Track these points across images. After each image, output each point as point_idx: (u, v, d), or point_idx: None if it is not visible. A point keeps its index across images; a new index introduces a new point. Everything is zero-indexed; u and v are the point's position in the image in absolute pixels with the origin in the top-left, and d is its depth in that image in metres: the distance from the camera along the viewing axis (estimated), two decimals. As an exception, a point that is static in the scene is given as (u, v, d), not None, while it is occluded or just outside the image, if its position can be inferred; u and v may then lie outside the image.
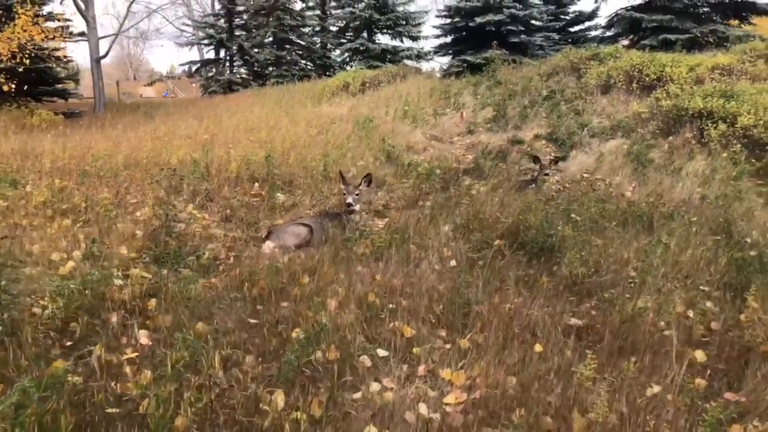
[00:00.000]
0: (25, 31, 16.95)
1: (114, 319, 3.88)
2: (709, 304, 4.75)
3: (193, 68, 35.90)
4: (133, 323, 3.78)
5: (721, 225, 6.77)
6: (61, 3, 27.38)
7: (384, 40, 28.84)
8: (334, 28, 31.27)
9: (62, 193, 6.95)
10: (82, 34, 25.18)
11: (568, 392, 3.31)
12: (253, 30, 31.91)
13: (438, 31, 22.46)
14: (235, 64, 34.06)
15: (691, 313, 4.52)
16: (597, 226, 6.44)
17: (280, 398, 2.92)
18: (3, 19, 16.59)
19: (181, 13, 44.45)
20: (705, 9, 18.68)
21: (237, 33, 33.24)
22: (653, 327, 4.12)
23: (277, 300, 4.44)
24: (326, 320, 3.96)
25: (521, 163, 10.34)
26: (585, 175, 9.45)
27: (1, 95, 20.62)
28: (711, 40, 17.34)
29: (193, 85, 46.58)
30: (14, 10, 16.92)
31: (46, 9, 20.96)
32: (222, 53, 34.25)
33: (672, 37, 17.31)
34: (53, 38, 17.78)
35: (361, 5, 26.54)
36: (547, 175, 8.69)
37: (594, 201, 6.97)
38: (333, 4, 32.58)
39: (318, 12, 33.55)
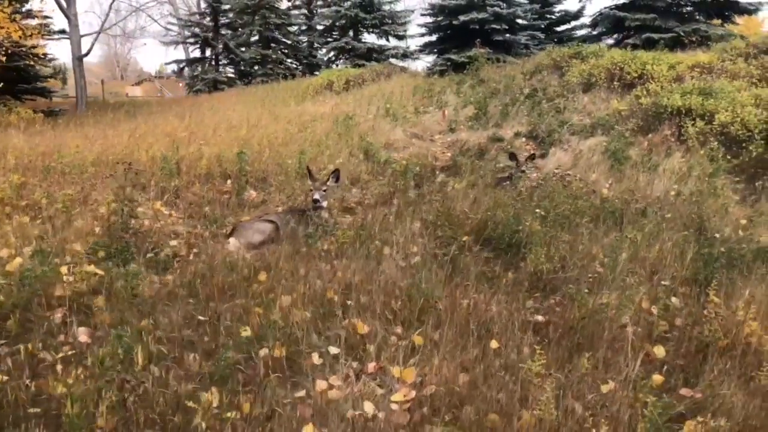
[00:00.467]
0: (1, 27, 16.72)
1: (57, 316, 3.74)
2: (674, 299, 4.68)
3: (178, 67, 35.69)
4: (73, 320, 3.64)
5: (694, 221, 6.71)
6: (41, 1, 27.19)
7: (370, 39, 28.80)
8: (320, 27, 31.12)
9: (23, 189, 6.79)
10: (62, 31, 24.89)
11: (515, 389, 3.21)
12: (239, 29, 31.76)
13: (423, 30, 22.37)
14: (220, 63, 33.88)
15: (654, 309, 4.45)
16: (568, 223, 6.35)
17: (213, 397, 2.79)
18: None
19: (167, 12, 44.11)
20: (688, 8, 18.71)
21: (222, 32, 33.07)
22: (613, 323, 4.02)
23: (231, 297, 4.32)
24: (277, 317, 3.85)
25: (498, 161, 10.25)
26: (556, 171, 9.37)
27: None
28: (694, 39, 17.31)
29: (181, 84, 46.33)
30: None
31: (25, 6, 20.65)
32: (208, 52, 34.08)
33: (655, 36, 17.29)
34: (31, 35, 17.54)
35: (347, 4, 26.41)
36: (523, 172, 8.60)
37: (565, 197, 6.87)
38: (319, 2, 32.50)
39: (304, 11, 33.46)
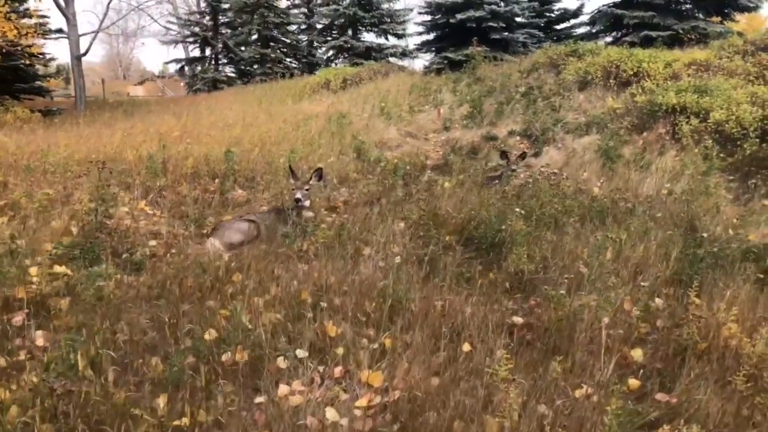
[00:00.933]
0: (-4, 26, 16.66)
1: (18, 318, 3.65)
2: (658, 300, 4.57)
3: (178, 67, 35.63)
4: (32, 324, 3.55)
5: (684, 220, 6.60)
6: (39, 0, 27.11)
7: (369, 37, 28.68)
8: (319, 26, 31.01)
9: (3, 189, 6.72)
10: (59, 30, 24.82)
11: (483, 393, 3.11)
12: (238, 28, 31.68)
13: (421, 29, 22.26)
14: (220, 62, 33.81)
15: (635, 311, 4.34)
16: (554, 222, 6.24)
17: (161, 403, 2.70)
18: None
19: (166, 11, 44.05)
20: (687, 5, 18.54)
21: (222, 31, 33.00)
22: (590, 325, 3.91)
23: (201, 299, 4.23)
24: (245, 320, 3.75)
25: (490, 159, 10.15)
26: (543, 169, 9.26)
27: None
28: (693, 36, 17.14)
29: (182, 84, 46.30)
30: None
31: (23, 5, 20.61)
32: (207, 51, 34.00)
33: (653, 33, 17.12)
34: (26, 34, 17.47)
35: (346, 2, 26.29)
36: (513, 170, 8.50)
37: (552, 196, 6.76)
38: (318, 1, 32.37)
39: (304, 9, 33.35)
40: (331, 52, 29.38)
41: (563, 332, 3.94)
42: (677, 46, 16.03)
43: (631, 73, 12.66)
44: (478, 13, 18.28)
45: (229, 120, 14.55)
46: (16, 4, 19.67)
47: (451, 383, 3.28)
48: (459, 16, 18.54)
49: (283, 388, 3.20)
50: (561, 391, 3.22)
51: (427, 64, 22.06)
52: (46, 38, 25.29)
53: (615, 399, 3.13)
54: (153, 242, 5.77)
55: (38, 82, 24.22)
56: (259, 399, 3.09)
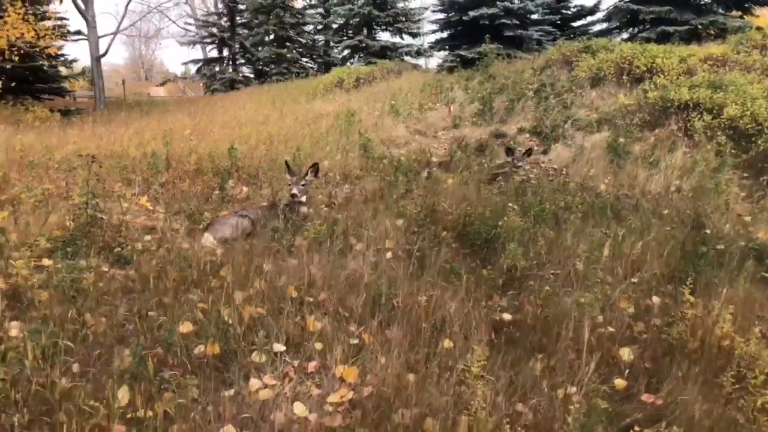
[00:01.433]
0: (15, 28, 16.88)
1: (-5, 310, 3.63)
2: (655, 298, 4.43)
3: (196, 67, 35.88)
4: (8, 315, 3.53)
5: (691, 217, 6.42)
6: (60, 2, 27.42)
7: (384, 36, 28.62)
8: (335, 25, 31.00)
9: (5, 184, 6.76)
10: (78, 32, 25.13)
11: (458, 391, 3.01)
12: (254, 28, 31.80)
13: (435, 26, 22.14)
14: (237, 62, 33.99)
15: (630, 309, 4.21)
16: (555, 218, 6.11)
17: (121, 395, 2.64)
18: (-8, 17, 16.49)
19: (185, 13, 44.46)
20: (706, 0, 18.19)
21: (239, 31, 33.16)
22: (578, 323, 3.79)
23: (185, 292, 4.18)
24: (225, 313, 3.70)
25: (496, 156, 10.01)
26: (544, 165, 9.10)
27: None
28: (711, 32, 16.80)
29: (201, 84, 46.67)
30: (4, 8, 16.85)
31: (42, 8, 20.86)
32: (225, 52, 34.19)
33: (670, 29, 16.82)
34: (44, 36, 17.69)
35: (360, 2, 26.25)
36: (518, 167, 8.35)
37: (551, 192, 6.62)
38: (335, 0, 32.38)
39: (320, 9, 33.37)
40: (346, 52, 29.34)
41: (550, 330, 3.82)
42: (695, 41, 15.73)
43: (645, 69, 12.42)
44: (491, 11, 18.10)
45: (242, 119, 14.61)
46: (38, 7, 19.90)
47: (427, 380, 3.19)
48: (472, 14, 18.38)
49: (254, 382, 3.13)
50: (540, 390, 3.11)
51: (440, 62, 21.93)
52: (65, 40, 25.65)
53: (596, 399, 3.04)
54: (148, 237, 5.76)
55: (58, 83, 24.57)
56: (227, 392, 3.03)
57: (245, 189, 7.97)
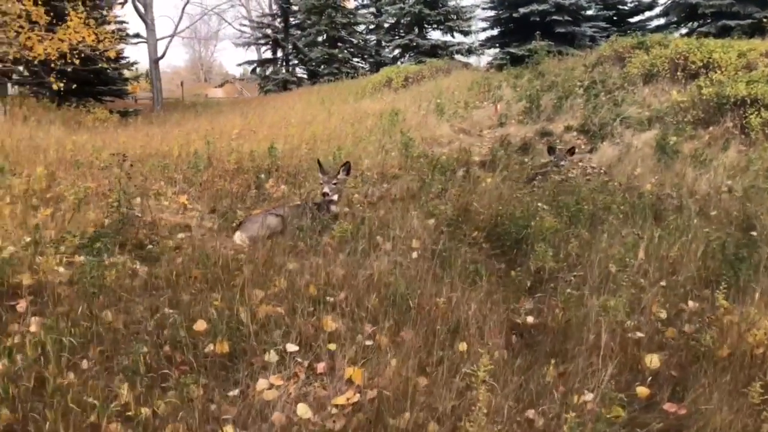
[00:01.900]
0: (77, 32, 17.53)
1: (22, 304, 3.75)
2: (691, 303, 4.22)
3: (250, 68, 36.57)
4: (32, 310, 3.63)
5: (740, 219, 6.10)
6: (122, 6, 28.41)
7: (435, 35, 28.50)
8: (386, 25, 31.05)
9: (53, 182, 7.01)
10: (137, 35, 26.01)
11: (467, 395, 2.92)
12: (307, 29, 32.17)
13: (485, 24, 21.89)
14: (290, 63, 34.46)
15: (661, 313, 4.02)
16: (592, 219, 5.90)
17: (124, 392, 2.67)
18: (54, 21, 17.15)
19: (240, 14, 45.38)
20: (772, -9, 17.35)
21: (292, 32, 33.61)
22: (602, 327, 3.63)
23: (209, 290, 4.22)
24: (243, 312, 3.70)
25: (539, 154, 9.78)
26: (581, 164, 8.80)
27: (63, 95, 21.65)
28: (776, 25, 16.01)
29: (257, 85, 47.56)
30: (66, 12, 17.53)
31: (103, 12, 21.65)
32: (279, 53, 34.74)
33: (732, 23, 16.13)
34: (104, 40, 18.32)
35: (411, 1, 26.20)
36: (561, 166, 8.13)
37: (588, 192, 6.39)
38: (386, 0, 32.44)
39: (372, 9, 33.50)
40: (397, 51, 29.38)
41: (573, 334, 3.67)
42: (758, 35, 15.01)
43: (701, 64, 11.94)
44: (542, 7, 17.78)
45: (290, 119, 14.79)
46: (100, 12, 20.63)
47: (436, 384, 3.11)
48: (522, 10, 18.10)
49: (261, 382, 3.12)
50: (551, 396, 2.99)
51: (490, 60, 21.66)
52: (125, 43, 26.58)
53: (615, 407, 2.91)
54: (181, 235, 5.86)
55: (118, 85, 25.50)
56: (232, 392, 3.03)
57: (284, 188, 8.03)
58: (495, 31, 21.59)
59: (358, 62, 32.09)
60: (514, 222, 5.20)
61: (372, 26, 33.32)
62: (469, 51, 26.95)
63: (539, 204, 5.72)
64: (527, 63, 16.90)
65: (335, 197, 6.29)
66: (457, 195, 6.55)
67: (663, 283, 4.37)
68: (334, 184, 6.28)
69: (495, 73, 18.20)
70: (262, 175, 8.24)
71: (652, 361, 3.42)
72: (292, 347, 3.50)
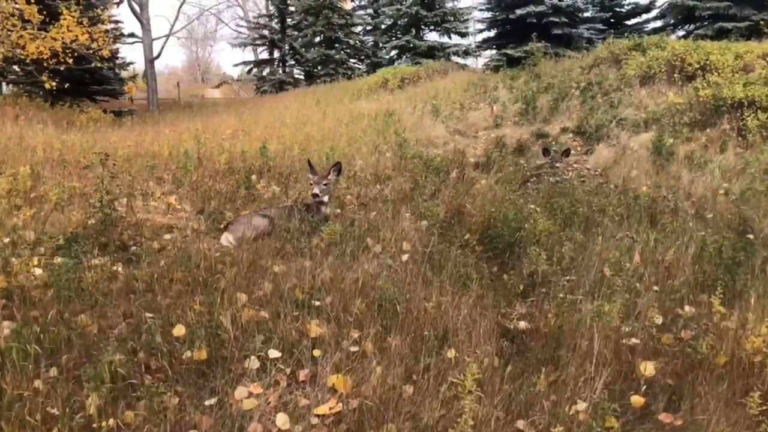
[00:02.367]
0: (70, 31, 17.38)
1: (-5, 308, 3.62)
2: (687, 308, 4.11)
3: (246, 69, 36.40)
4: (7, 313, 3.50)
5: (737, 222, 6.00)
6: (117, 6, 28.22)
7: (432, 36, 28.39)
8: (383, 26, 30.93)
9: (38, 181, 6.88)
10: (132, 35, 25.84)
11: (454, 404, 2.80)
12: (303, 30, 32.02)
13: (482, 26, 21.79)
14: (287, 64, 34.31)
15: (659, 319, 3.91)
16: (586, 222, 5.80)
17: (93, 402, 2.54)
18: (47, 20, 17.01)
19: (237, 15, 45.28)
20: (769, -6, 17.29)
21: (289, 33, 33.46)
22: (595, 333, 3.51)
23: (191, 293, 4.09)
24: (224, 317, 3.58)
25: (535, 156, 9.68)
26: (576, 165, 8.69)
27: (56, 94, 21.51)
28: (773, 28, 15.93)
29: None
30: (59, 11, 17.38)
31: (97, 12, 21.47)
32: (275, 53, 34.59)
33: (729, 25, 16.06)
34: (97, 39, 18.16)
35: (408, 2, 26.08)
36: (556, 167, 8.03)
37: (585, 194, 6.29)
38: (384, 1, 32.30)
39: (370, 10, 33.37)
40: (394, 52, 29.24)
41: (565, 340, 3.56)
42: (755, 37, 14.94)
43: (697, 66, 11.85)
44: (538, 8, 17.69)
45: (285, 119, 14.67)
46: (96, 12, 20.47)
47: (423, 392, 2.99)
48: (519, 12, 18.01)
49: (240, 391, 3.00)
50: (541, 406, 2.87)
51: (486, 61, 21.57)
52: (120, 43, 26.44)
53: (608, 418, 2.79)
54: (167, 236, 5.74)
55: (112, 85, 25.33)
56: (210, 401, 2.90)
57: (275, 188, 7.91)
58: (492, 33, 21.52)
59: (354, 63, 31.96)
60: (507, 224, 5.08)
61: (369, 27, 33.20)
62: (466, 52, 26.82)
63: (533, 206, 5.60)
64: (524, 64, 16.80)
65: (325, 198, 6.17)
66: (450, 197, 6.43)
67: (658, 288, 4.26)
68: (325, 185, 6.16)
69: (491, 74, 18.10)
70: (254, 176, 8.12)
71: (647, 368, 3.30)
72: (274, 353, 3.38)
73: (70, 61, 17.49)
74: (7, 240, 4.67)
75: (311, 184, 6.20)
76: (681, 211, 6.11)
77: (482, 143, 11.77)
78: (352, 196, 7.38)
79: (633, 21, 24.13)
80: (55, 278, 3.54)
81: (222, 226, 6.07)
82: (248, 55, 52.75)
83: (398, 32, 28.66)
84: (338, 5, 29.83)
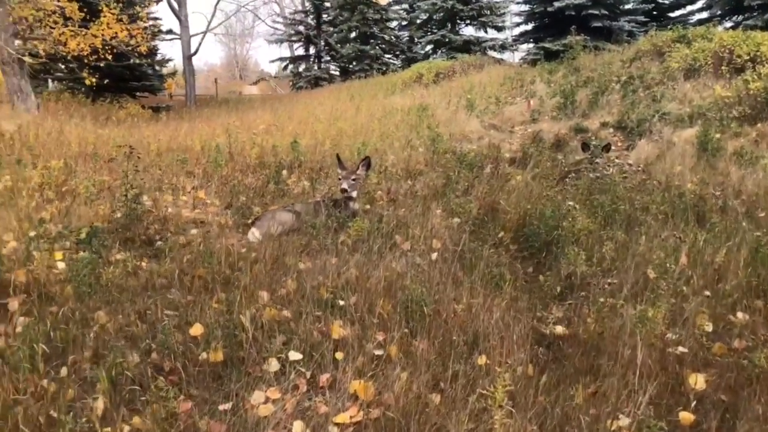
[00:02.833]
0: (110, 28, 17.59)
1: (14, 303, 3.52)
2: (740, 315, 3.80)
3: (282, 65, 36.53)
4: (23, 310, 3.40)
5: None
6: (156, 3, 28.53)
7: (468, 31, 28.01)
8: (419, 21, 30.63)
9: (70, 174, 6.87)
10: (170, 31, 26.08)
11: (482, 419, 2.58)
12: (339, 25, 31.94)
13: (519, 19, 21.33)
14: (322, 59, 34.29)
15: (709, 326, 3.61)
16: (628, 220, 5.49)
17: (100, 405, 2.40)
18: (88, 17, 17.24)
19: (273, 11, 45.49)
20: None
21: (324, 29, 33.42)
22: (640, 341, 3.24)
23: (211, 291, 3.95)
24: (244, 317, 3.41)
25: (573, 151, 9.33)
26: (618, 161, 8.32)
27: (97, 90, 21.86)
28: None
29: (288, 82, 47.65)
30: (99, 9, 17.60)
31: (137, 8, 21.71)
32: (311, 50, 34.59)
33: (780, 15, 15.35)
34: (135, 35, 18.34)
35: (444, -5, 25.77)
36: (596, 163, 7.68)
37: (627, 190, 5.96)
38: (420, -5, 32.01)
39: (405, 5, 33.10)
40: (429, 47, 28.95)
41: (606, 348, 3.30)
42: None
43: (747, 58, 11.31)
44: (577, 1, 17.18)
45: (319, 115, 14.58)
46: (137, 9, 20.69)
47: (451, 403, 2.78)
48: (557, 4, 17.54)
49: (257, 395, 2.83)
50: (581, 421, 2.63)
51: (523, 55, 21.13)
52: (158, 39, 26.73)
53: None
54: (194, 231, 5.63)
55: (151, 81, 25.64)
56: (224, 406, 2.74)
57: (305, 183, 7.78)
58: (529, 26, 21.03)
59: (389, 59, 31.76)
60: (543, 222, 4.82)
61: (404, 22, 32.94)
62: (503, 47, 26.37)
63: (571, 203, 5.31)
64: (562, 58, 16.36)
65: (354, 194, 5.99)
66: (484, 193, 6.19)
67: (708, 292, 3.95)
68: (353, 180, 5.98)
69: (528, 68, 17.69)
70: (284, 171, 8.00)
71: (697, 381, 3.03)
72: (295, 355, 3.21)
73: (110, 57, 17.71)
74: (33, 233, 4.61)
75: (339, 179, 6.03)
76: (730, 209, 5.74)
77: (518, 138, 11.46)
78: (382, 192, 7.19)
79: (677, 13, 23.36)
80: (73, 273, 3.43)
81: (249, 221, 5.95)
82: (284, 51, 53.01)
83: (434, 27, 28.34)
84: (373, 1, 29.63)
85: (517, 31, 22.75)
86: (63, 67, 23.30)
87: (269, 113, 16.56)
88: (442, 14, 26.64)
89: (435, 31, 27.55)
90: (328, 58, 33.99)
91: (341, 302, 3.83)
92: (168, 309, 3.61)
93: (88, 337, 3.01)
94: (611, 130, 10.82)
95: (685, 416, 2.83)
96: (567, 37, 16.90)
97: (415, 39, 31.17)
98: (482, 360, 3.13)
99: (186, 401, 2.68)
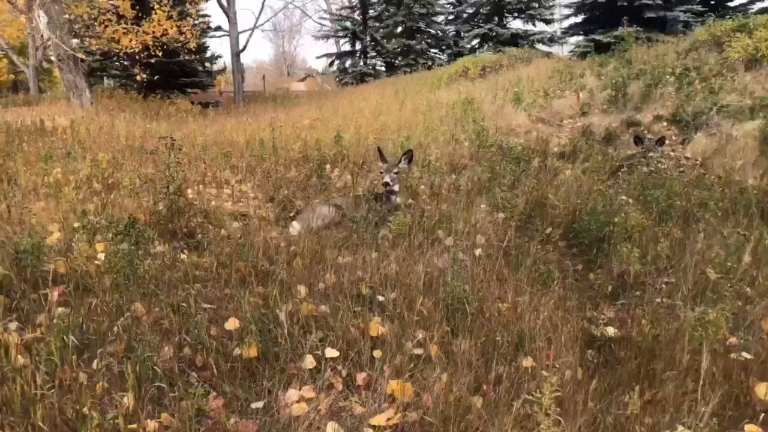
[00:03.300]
0: (161, 25, 17.92)
1: (54, 294, 3.52)
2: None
3: (328, 61, 36.67)
4: (62, 300, 3.39)
5: None
6: (206, 0, 28.98)
7: (516, 24, 27.53)
8: (465, 15, 30.28)
9: (117, 167, 6.95)
10: (218, 28, 26.42)
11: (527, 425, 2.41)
12: (385, 20, 31.85)
13: (568, 11, 20.78)
14: (368, 55, 34.27)
15: (774, 331, 3.35)
16: (686, 216, 5.20)
17: (130, 401, 2.33)
18: (140, 15, 17.60)
19: (320, 8, 45.71)
20: None
21: (370, 24, 33.38)
22: (700, 345, 3.01)
23: (249, 284, 3.87)
24: (281, 311, 3.32)
25: (625, 145, 8.97)
26: (673, 154, 7.92)
27: (148, 87, 22.38)
28: None
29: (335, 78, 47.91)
30: (151, 6, 17.94)
31: (187, 5, 22.07)
32: (357, 45, 34.61)
33: None
34: (185, 32, 18.63)
35: (491, -11, 25.39)
36: (650, 157, 7.35)
37: (684, 185, 5.65)
38: (466, -11, 31.62)
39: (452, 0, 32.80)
40: (475, 41, 28.56)
41: (663, 352, 3.08)
42: None
43: (816, 47, 10.68)
44: (630, -10, 16.62)
45: (364, 110, 14.51)
46: (187, 6, 21.01)
47: (494, 407, 2.62)
48: (608, -6, 17.00)
49: (291, 394, 2.73)
50: None
51: (572, 48, 20.61)
52: (207, 36, 27.17)
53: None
54: (236, 224, 5.60)
55: (201, 77, 26.08)
56: (256, 404, 2.64)
57: (348, 177, 7.69)
58: (579, 18, 20.44)
59: (435, 53, 31.51)
60: (594, 217, 4.59)
61: (451, 16, 32.62)
62: (551, 39, 25.81)
63: (624, 198, 5.06)
64: (613, 50, 15.83)
65: (396, 187, 5.87)
66: (532, 187, 5.97)
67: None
68: (395, 173, 5.86)
69: (578, 61, 17.21)
70: (327, 165, 7.93)
71: (766, 392, 2.79)
72: (331, 352, 3.10)
73: (160, 54, 18.04)
74: (77, 225, 4.64)
75: (381, 173, 5.92)
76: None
77: (567, 132, 11.11)
78: (425, 186, 7.04)
79: (737, 2, 22.36)
80: (110, 265, 3.40)
81: (291, 214, 5.89)
82: (331, 47, 53.23)
83: (480, 20, 27.94)
84: (420, -6, 29.47)
85: (566, 23, 22.20)
86: (117, 64, 23.96)
87: (314, 109, 16.60)
88: (489, 7, 26.24)
89: (482, 24, 27.15)
90: (374, 54, 33.94)
91: (380, 298, 3.71)
92: (204, 302, 3.55)
93: (120, 329, 2.95)
94: (665, 123, 10.37)
95: (752, 429, 2.61)
96: (618, 29, 16.34)
97: (462, 33, 30.82)
98: (528, 362, 2.96)
99: (217, 398, 2.59)
